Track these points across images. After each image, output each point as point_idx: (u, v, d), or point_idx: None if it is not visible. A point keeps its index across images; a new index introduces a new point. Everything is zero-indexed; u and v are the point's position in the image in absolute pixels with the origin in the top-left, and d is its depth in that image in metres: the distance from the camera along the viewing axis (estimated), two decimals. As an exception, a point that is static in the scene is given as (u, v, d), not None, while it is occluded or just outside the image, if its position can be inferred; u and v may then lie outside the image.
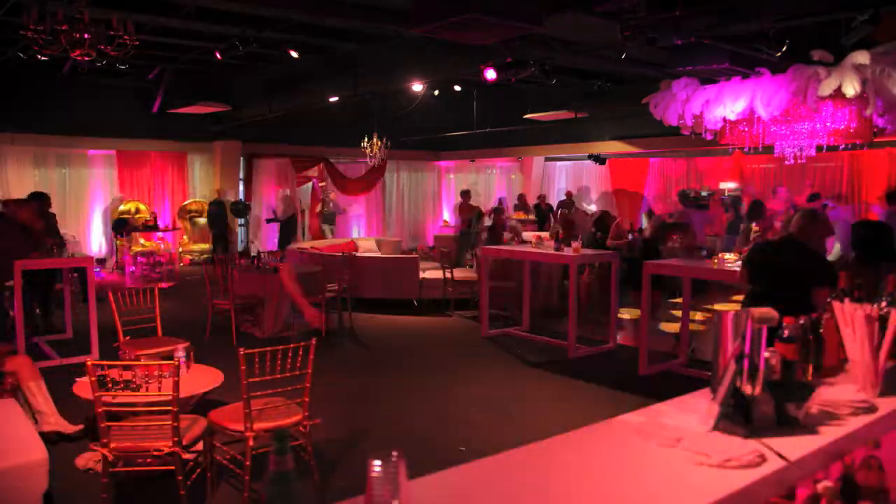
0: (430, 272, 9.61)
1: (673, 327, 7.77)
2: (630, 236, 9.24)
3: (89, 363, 3.24)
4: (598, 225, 9.55)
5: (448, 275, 9.17)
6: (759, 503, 1.51)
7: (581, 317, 7.49)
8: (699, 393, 1.98)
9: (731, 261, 6.00)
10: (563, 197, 15.33)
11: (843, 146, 7.89)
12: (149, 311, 5.39)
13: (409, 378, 6.32)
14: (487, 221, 10.94)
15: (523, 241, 9.67)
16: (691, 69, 7.41)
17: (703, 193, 13.57)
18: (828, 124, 7.42)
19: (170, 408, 3.27)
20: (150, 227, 12.76)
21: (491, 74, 8.01)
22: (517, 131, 13.57)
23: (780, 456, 1.57)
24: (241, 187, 14.48)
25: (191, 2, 7.03)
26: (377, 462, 1.12)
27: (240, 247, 13.96)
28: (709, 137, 8.43)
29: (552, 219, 14.22)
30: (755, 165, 13.10)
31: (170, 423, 3.29)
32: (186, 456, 3.49)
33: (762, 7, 6.02)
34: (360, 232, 15.84)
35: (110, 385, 3.58)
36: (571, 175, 16.86)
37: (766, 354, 1.77)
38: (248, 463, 3.47)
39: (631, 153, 13.73)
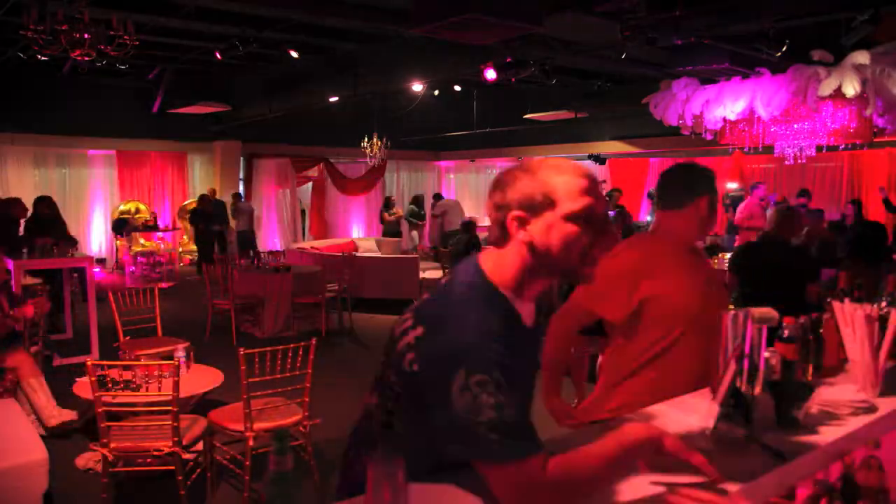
0: (430, 272, 9.61)
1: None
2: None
3: (89, 363, 3.24)
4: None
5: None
6: (759, 503, 1.51)
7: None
8: (699, 393, 1.98)
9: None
10: None
11: (843, 146, 7.89)
12: (149, 311, 5.39)
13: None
14: None
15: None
16: (691, 69, 7.41)
17: None
18: (828, 124, 7.43)
19: (170, 408, 3.27)
20: (150, 227, 12.76)
21: (491, 74, 8.01)
22: (517, 131, 13.56)
23: (781, 455, 1.57)
24: (241, 187, 14.48)
25: (191, 2, 7.03)
26: (377, 462, 1.12)
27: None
28: (709, 137, 8.43)
29: None
30: (755, 165, 13.09)
31: (170, 423, 3.29)
32: (186, 456, 3.49)
33: (762, 7, 6.02)
34: (360, 232, 15.84)
35: (110, 385, 3.58)
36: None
37: (766, 354, 1.77)
38: (248, 463, 3.47)
39: (631, 153, 13.73)
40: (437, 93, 12.81)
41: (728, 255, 6.23)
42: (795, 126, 7.73)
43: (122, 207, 13.01)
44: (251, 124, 12.88)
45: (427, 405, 1.27)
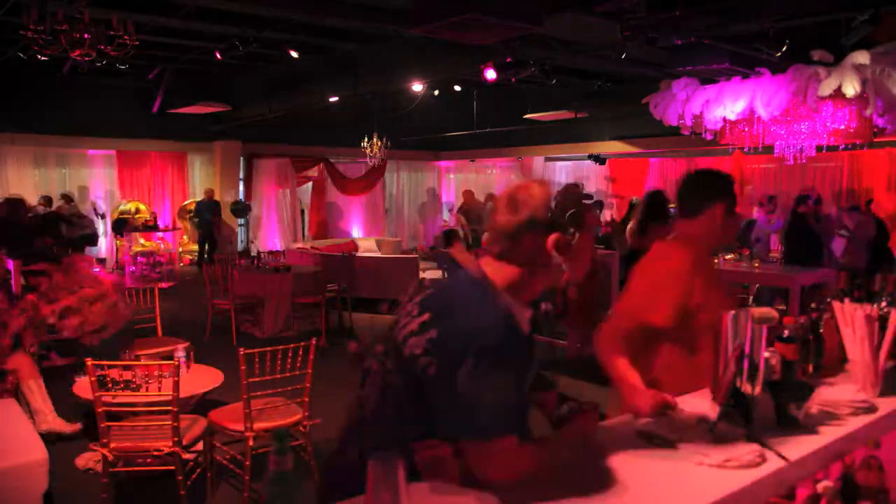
0: (430, 272, 9.61)
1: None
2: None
3: (89, 363, 3.24)
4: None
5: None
6: (759, 503, 1.52)
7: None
8: (699, 393, 1.98)
9: (731, 260, 6.01)
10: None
11: (843, 146, 7.89)
12: (149, 311, 5.39)
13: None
14: None
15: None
16: (691, 69, 7.40)
17: None
18: (828, 124, 7.42)
19: (170, 408, 3.27)
20: (150, 227, 12.75)
21: (491, 74, 8.01)
22: (517, 131, 13.56)
23: (781, 455, 1.57)
24: (241, 187, 14.48)
25: (191, 2, 7.03)
26: (377, 462, 1.12)
27: (239, 247, 13.95)
28: (709, 137, 8.43)
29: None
30: (755, 165, 13.09)
31: (170, 423, 3.29)
32: (186, 456, 3.49)
33: (762, 7, 6.02)
34: (360, 232, 15.84)
35: (110, 385, 3.58)
36: (571, 175, 16.85)
37: (766, 354, 1.77)
38: (248, 463, 3.47)
39: (631, 153, 13.72)
40: (437, 93, 12.80)
41: (728, 255, 6.23)
42: (795, 126, 7.73)
43: (122, 207, 13.01)
44: (251, 124, 12.88)
45: (429, 387, 1.37)
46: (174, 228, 13.39)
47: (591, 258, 1.56)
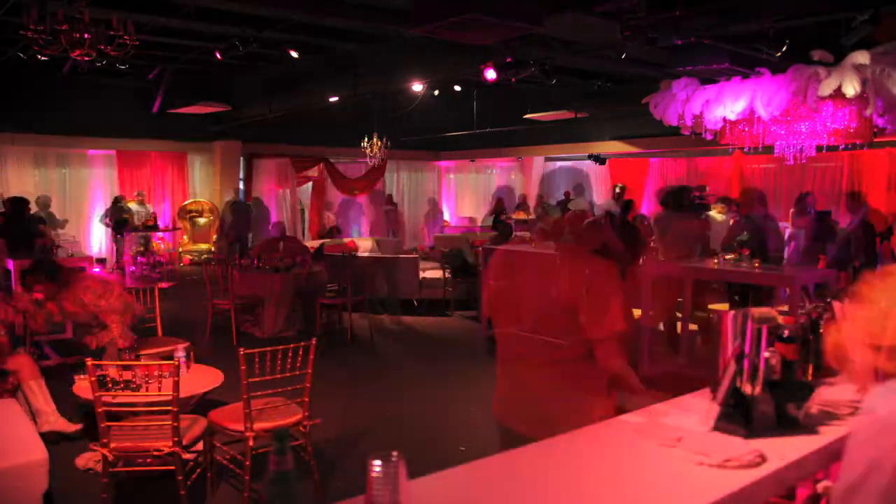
0: (430, 272, 9.61)
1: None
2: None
3: (89, 363, 3.24)
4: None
5: (448, 275, 9.17)
6: (759, 503, 1.52)
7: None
8: (699, 393, 1.98)
9: (730, 260, 6.01)
10: (562, 197, 15.31)
11: (843, 146, 7.89)
12: (149, 311, 5.39)
13: (409, 378, 6.32)
14: None
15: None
16: (691, 69, 7.41)
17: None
18: (828, 124, 7.42)
19: (170, 408, 3.27)
20: (150, 227, 12.75)
21: (491, 74, 8.01)
22: (517, 131, 13.56)
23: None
24: (241, 187, 14.48)
25: (191, 2, 7.03)
26: (377, 462, 1.12)
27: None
28: (709, 137, 8.43)
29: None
30: (755, 165, 13.09)
31: (170, 423, 3.29)
32: (186, 456, 3.49)
33: (762, 7, 6.02)
34: (360, 232, 15.84)
35: (110, 385, 3.58)
36: (571, 175, 16.85)
37: (766, 354, 1.77)
38: (248, 463, 3.47)
39: (631, 153, 13.72)
40: (437, 93, 12.80)
41: (728, 256, 6.21)
42: (795, 126, 7.73)
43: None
44: (251, 124, 12.88)
45: None
46: (174, 228, 13.39)
47: None
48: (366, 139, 12.62)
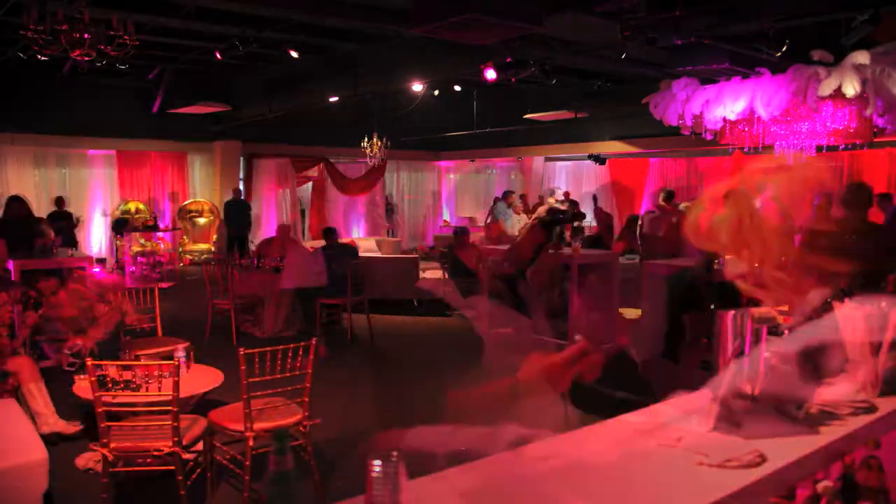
0: (430, 272, 9.61)
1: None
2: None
3: (89, 363, 3.24)
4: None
5: (446, 275, 9.18)
6: (758, 503, 1.51)
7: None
8: (699, 393, 1.98)
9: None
10: (561, 197, 15.31)
11: (843, 146, 7.89)
12: (149, 311, 5.39)
13: (409, 378, 6.32)
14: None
15: None
16: (691, 69, 7.41)
17: None
18: (828, 124, 7.43)
19: (170, 408, 3.27)
20: (150, 227, 12.75)
21: (491, 74, 8.01)
22: (517, 131, 13.56)
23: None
24: (241, 187, 14.48)
25: (191, 2, 7.03)
26: (377, 462, 1.12)
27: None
28: (709, 137, 8.44)
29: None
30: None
31: (170, 423, 3.29)
32: (186, 456, 3.49)
33: (762, 7, 6.02)
34: (360, 232, 15.84)
35: (110, 385, 3.58)
36: (572, 175, 16.86)
37: (766, 354, 1.77)
38: (248, 463, 3.47)
39: (631, 153, 13.73)
40: (437, 93, 12.80)
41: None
42: (795, 126, 7.73)
43: (122, 207, 13.01)
44: (251, 124, 12.88)
45: None
46: (174, 228, 13.39)
47: None
48: (366, 139, 12.63)
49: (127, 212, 12.95)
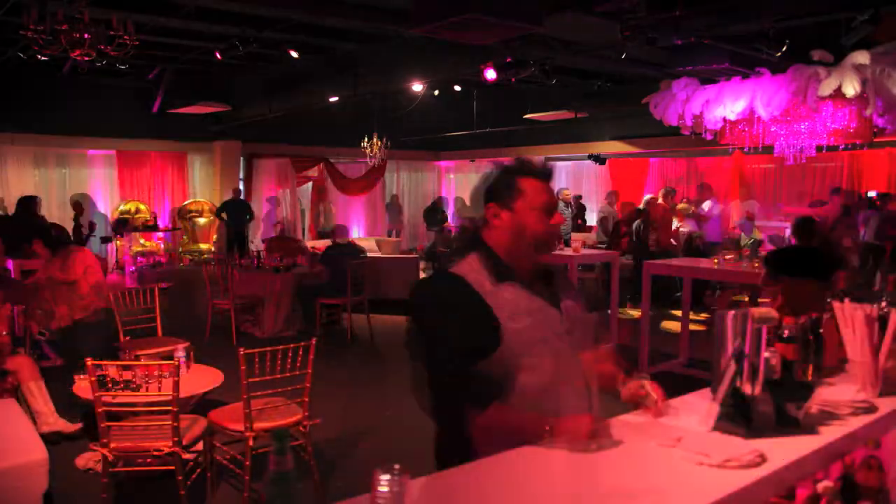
0: (430, 272, 9.61)
1: (674, 326, 7.77)
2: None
3: (89, 363, 3.24)
4: None
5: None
6: (758, 503, 1.52)
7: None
8: (699, 393, 1.98)
9: (731, 260, 6.01)
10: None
11: (843, 146, 7.88)
12: (149, 311, 5.39)
13: (409, 378, 6.31)
14: None
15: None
16: (691, 69, 7.40)
17: None
18: (828, 124, 7.42)
19: (170, 408, 3.27)
20: (150, 227, 12.75)
21: (491, 74, 8.00)
22: (517, 131, 13.55)
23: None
24: (242, 187, 14.48)
25: (191, 2, 7.03)
26: (384, 476, 1.11)
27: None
28: (709, 137, 8.43)
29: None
30: (755, 165, 13.09)
31: (170, 423, 3.29)
32: (186, 456, 3.49)
33: (762, 7, 6.02)
34: (360, 232, 15.84)
35: (110, 385, 3.58)
36: (571, 175, 16.85)
37: (766, 354, 1.77)
38: (248, 463, 3.47)
39: (631, 153, 13.72)
40: (437, 93, 12.80)
41: (728, 256, 6.21)
42: (795, 126, 7.72)
43: (122, 207, 13.01)
44: (251, 124, 12.87)
45: None
46: (174, 228, 13.39)
47: None
48: (366, 139, 12.62)
49: (127, 212, 12.94)
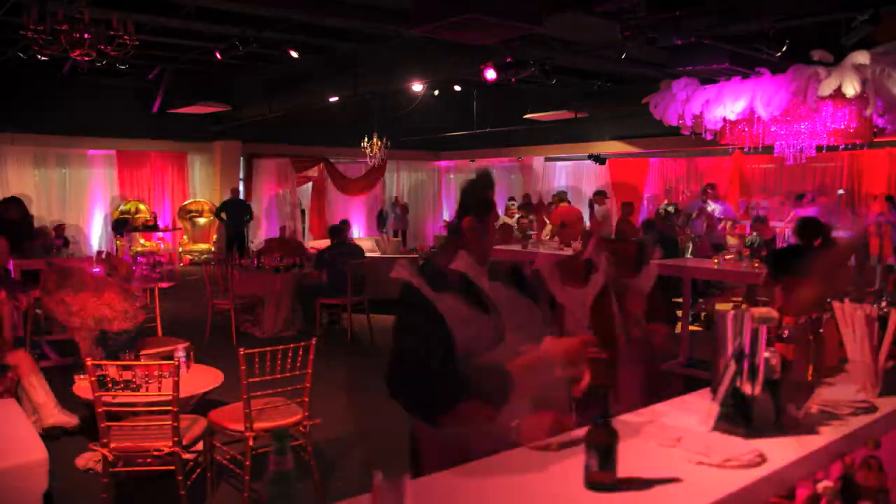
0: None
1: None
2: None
3: (89, 363, 3.24)
4: None
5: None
6: (759, 503, 1.52)
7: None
8: (699, 393, 1.99)
9: (731, 260, 6.02)
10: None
11: (843, 146, 7.89)
12: (149, 311, 5.39)
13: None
14: None
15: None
16: (691, 69, 7.41)
17: None
18: (828, 124, 7.42)
19: (170, 408, 3.27)
20: (150, 227, 12.75)
21: (491, 74, 8.01)
22: (517, 131, 13.56)
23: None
24: (241, 187, 14.48)
25: (191, 2, 7.03)
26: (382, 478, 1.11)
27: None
28: (709, 137, 8.43)
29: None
30: (755, 165, 13.09)
31: (170, 423, 3.29)
32: (186, 456, 3.49)
33: (762, 7, 6.02)
34: (360, 232, 15.84)
35: (110, 385, 3.58)
36: (572, 175, 16.85)
37: (766, 354, 1.77)
38: (248, 463, 3.47)
39: (631, 153, 13.72)
40: (437, 93, 12.80)
41: (728, 256, 6.22)
42: (795, 126, 7.73)
43: (122, 207, 13.01)
44: (251, 124, 12.88)
45: None
46: (174, 228, 13.39)
47: None
48: (366, 139, 12.62)
49: (127, 212, 12.94)
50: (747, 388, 1.73)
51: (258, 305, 7.78)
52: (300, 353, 3.52)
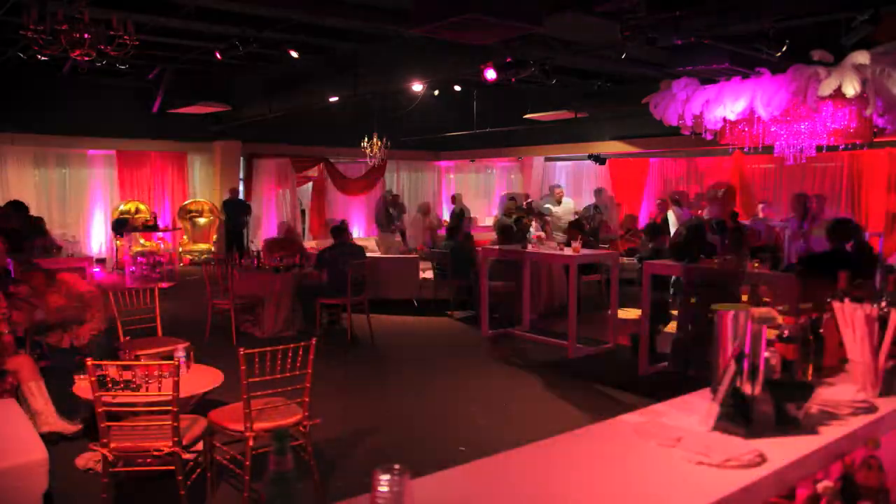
0: (430, 272, 9.61)
1: (673, 326, 7.76)
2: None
3: (89, 363, 3.24)
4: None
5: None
6: (759, 503, 1.52)
7: (582, 317, 7.50)
8: (699, 393, 1.98)
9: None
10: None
11: (843, 146, 7.88)
12: (149, 311, 5.39)
13: (409, 378, 6.32)
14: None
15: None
16: (691, 69, 7.40)
17: None
18: (828, 124, 7.42)
19: (170, 408, 3.27)
20: (150, 227, 12.75)
21: (491, 74, 8.00)
22: (517, 131, 13.56)
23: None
24: (241, 187, 14.48)
25: (191, 2, 7.03)
26: (384, 476, 1.11)
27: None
28: (709, 137, 8.43)
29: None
30: (755, 165, 13.10)
31: (170, 423, 3.29)
32: (186, 456, 3.49)
33: (762, 7, 6.02)
34: (360, 232, 15.84)
35: (110, 385, 3.58)
36: (572, 175, 16.86)
37: (766, 354, 1.77)
38: (248, 463, 3.47)
39: (631, 153, 13.73)
40: (437, 93, 12.80)
41: (728, 256, 6.21)
42: (795, 126, 7.72)
43: (122, 207, 13.02)
44: (251, 124, 12.88)
45: None
46: (174, 228, 13.39)
47: None
48: (366, 139, 12.62)
49: (127, 212, 12.94)
50: (747, 388, 1.73)
51: (258, 305, 7.79)
52: (300, 353, 3.52)
